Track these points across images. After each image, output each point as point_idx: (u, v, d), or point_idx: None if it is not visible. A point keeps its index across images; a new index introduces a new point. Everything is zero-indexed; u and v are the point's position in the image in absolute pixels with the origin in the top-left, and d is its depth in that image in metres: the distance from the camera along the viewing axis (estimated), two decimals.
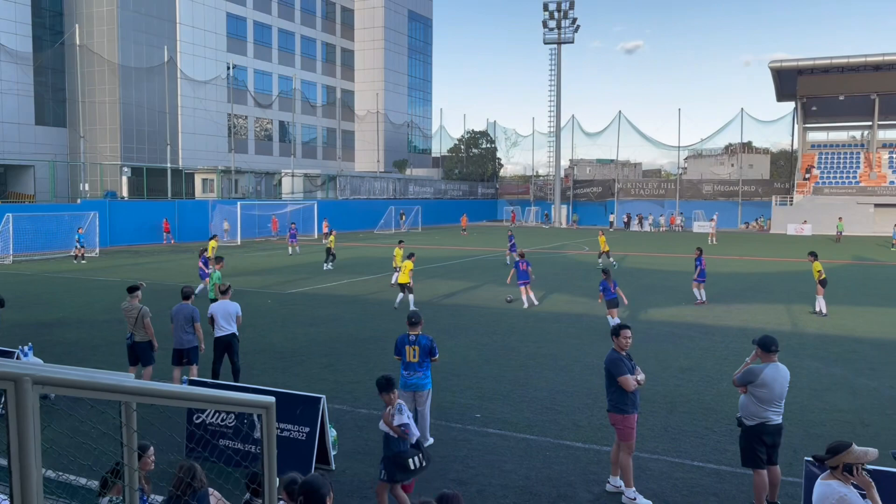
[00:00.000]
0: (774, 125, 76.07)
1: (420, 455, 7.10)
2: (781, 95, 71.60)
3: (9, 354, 10.38)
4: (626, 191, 79.04)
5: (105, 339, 16.00)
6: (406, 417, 7.16)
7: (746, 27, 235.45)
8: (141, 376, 11.54)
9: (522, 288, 21.05)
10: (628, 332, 8.10)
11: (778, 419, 7.38)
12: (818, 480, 5.07)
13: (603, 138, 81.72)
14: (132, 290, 11.51)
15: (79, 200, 43.62)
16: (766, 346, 7.47)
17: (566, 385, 12.39)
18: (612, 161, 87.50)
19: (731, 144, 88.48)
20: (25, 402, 2.41)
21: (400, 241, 24.50)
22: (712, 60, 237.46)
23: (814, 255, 20.58)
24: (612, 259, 32.22)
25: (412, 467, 7.02)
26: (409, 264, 20.26)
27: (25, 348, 11.11)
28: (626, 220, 72.41)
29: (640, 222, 70.79)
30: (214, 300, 15.72)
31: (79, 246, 33.26)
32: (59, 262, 33.04)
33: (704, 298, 21.68)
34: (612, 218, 73.13)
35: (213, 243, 27.17)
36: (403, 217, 63.25)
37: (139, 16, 58.73)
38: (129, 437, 3.25)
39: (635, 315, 19.52)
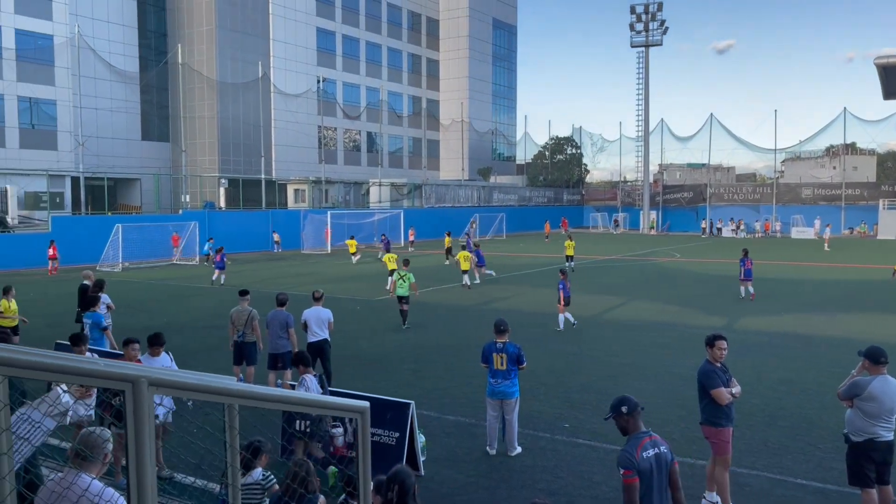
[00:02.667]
0: (881, 125, 71.70)
1: (306, 422, 8.16)
2: (888, 93, 67.26)
3: (120, 357, 11.02)
4: (719, 196, 76.34)
5: (204, 343, 16.75)
6: (302, 389, 8.25)
7: (849, 21, 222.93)
8: (245, 375, 12.09)
9: (481, 268, 28.31)
10: (723, 343, 7.82)
11: (889, 435, 6.96)
12: None
13: (694, 142, 79.30)
14: (243, 293, 12.38)
15: (180, 211, 45.90)
16: (875, 357, 7.07)
17: (657, 396, 12.09)
18: (703, 165, 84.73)
19: (832, 146, 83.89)
20: (142, 403, 2.57)
21: (386, 249, 29.84)
22: (811, 57, 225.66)
23: None
24: (572, 264, 33.14)
25: (296, 427, 8.16)
26: (465, 254, 27.19)
27: None
28: (718, 225, 69.97)
29: (737, 229, 68.20)
30: (403, 297, 18.35)
31: (211, 253, 36.71)
32: (163, 270, 34.88)
33: (752, 293, 23.25)
34: (704, 224, 70.74)
35: (352, 241, 36.57)
36: (474, 225, 61.54)
37: (236, 34, 61.42)
38: (232, 437, 3.41)
39: (731, 324, 18.84)
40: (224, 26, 60.39)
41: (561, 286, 18.24)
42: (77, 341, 8.93)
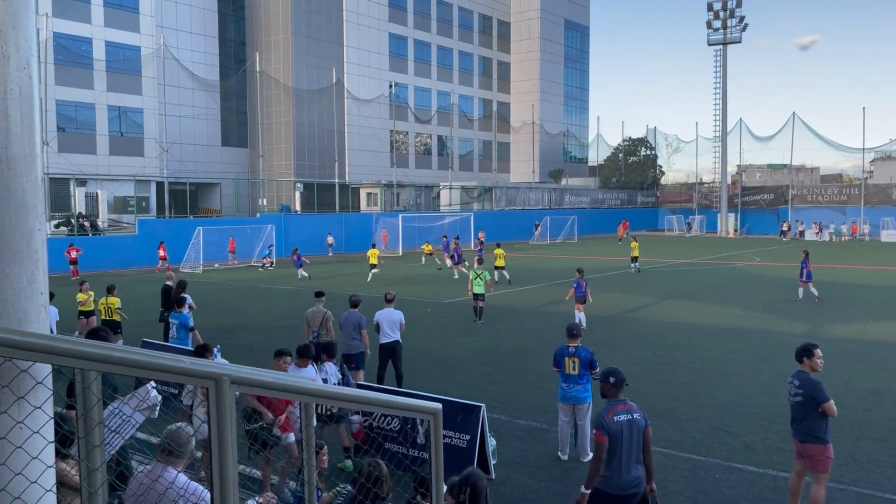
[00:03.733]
0: None
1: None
2: None
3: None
4: (802, 197, 73.30)
5: (280, 343, 17.15)
6: (324, 374, 8.99)
7: None
8: None
9: (458, 265, 31.45)
10: (820, 352, 7.53)
11: None
12: None
13: (775, 142, 76.38)
14: (319, 294, 12.67)
15: (258, 214, 47.29)
16: None
17: (736, 405, 11.69)
18: (785, 166, 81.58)
19: None
20: (224, 400, 2.66)
21: (373, 244, 33.85)
22: None
23: None
24: (636, 265, 33.89)
25: (317, 410, 8.32)
26: (500, 252, 29.44)
27: (215, 350, 12.16)
28: (800, 228, 67.21)
29: (820, 231, 65.36)
30: (479, 294, 19.61)
31: (270, 258, 38.46)
32: (241, 272, 35.98)
33: (804, 295, 23.42)
34: (785, 226, 68.02)
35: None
36: (539, 228, 60.63)
37: (311, 41, 62.92)
38: (308, 435, 3.48)
39: (814, 331, 18.06)
40: (300, 34, 61.96)
41: (575, 284, 18.86)
42: (203, 351, 8.86)
